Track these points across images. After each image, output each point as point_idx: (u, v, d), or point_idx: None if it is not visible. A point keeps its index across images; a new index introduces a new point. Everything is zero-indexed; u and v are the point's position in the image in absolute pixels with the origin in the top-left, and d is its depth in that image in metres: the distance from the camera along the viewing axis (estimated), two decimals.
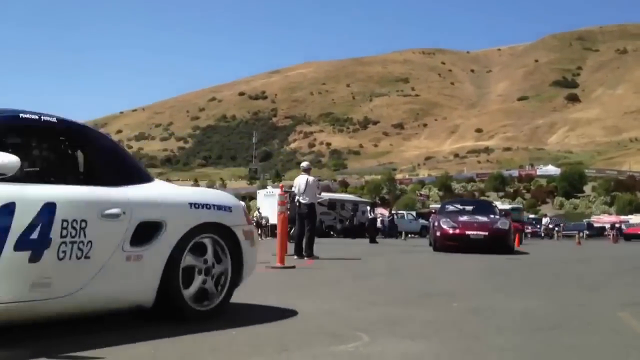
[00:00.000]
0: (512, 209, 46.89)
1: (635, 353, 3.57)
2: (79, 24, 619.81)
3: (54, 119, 3.77)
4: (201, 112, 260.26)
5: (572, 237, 42.70)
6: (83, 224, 3.51)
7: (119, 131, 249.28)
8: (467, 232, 15.25)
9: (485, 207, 17.97)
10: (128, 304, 3.90)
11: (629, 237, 43.83)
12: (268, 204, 34.72)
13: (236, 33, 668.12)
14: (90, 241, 3.54)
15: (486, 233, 15.13)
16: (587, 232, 50.74)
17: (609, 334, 4.16)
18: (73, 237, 3.45)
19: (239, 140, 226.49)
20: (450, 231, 15.59)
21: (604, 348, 3.70)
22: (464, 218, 16.21)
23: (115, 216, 3.69)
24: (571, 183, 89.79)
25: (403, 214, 49.25)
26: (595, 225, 58.12)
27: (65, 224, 3.42)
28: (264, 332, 3.97)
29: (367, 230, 31.82)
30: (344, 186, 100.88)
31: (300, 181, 13.14)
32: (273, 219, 29.67)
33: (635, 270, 11.55)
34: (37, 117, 3.66)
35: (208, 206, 4.30)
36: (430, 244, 17.86)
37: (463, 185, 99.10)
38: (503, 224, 15.57)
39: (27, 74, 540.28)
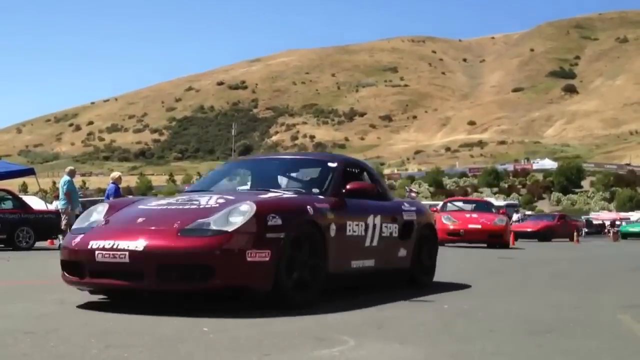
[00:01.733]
0: (508, 205, 47.06)
1: (636, 358, 3.59)
2: (47, 8, 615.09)
3: None
4: (177, 102, 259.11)
5: None
6: None
7: (90, 122, 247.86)
8: None
9: None
10: None
11: (515, 236, 36.62)
12: None
13: (215, 18, 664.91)
14: None
15: None
16: (586, 230, 50.99)
17: (609, 337, 4.18)
18: None
19: (218, 133, 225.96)
20: None
21: (603, 353, 3.71)
22: None
23: None
24: (568, 178, 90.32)
25: None
26: (594, 222, 58.46)
27: None
28: (244, 335, 3.96)
29: None
30: None
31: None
32: None
33: (636, 270, 11.64)
34: None
35: None
36: None
37: (455, 180, 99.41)
38: None
39: None
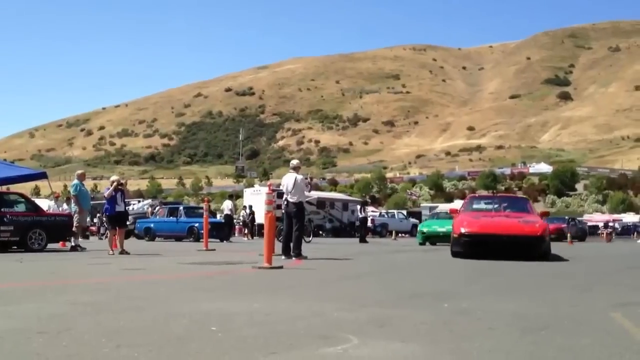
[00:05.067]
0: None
1: (628, 354, 3.58)
2: (59, 16, 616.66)
3: None
4: (186, 108, 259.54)
5: None
6: None
7: (102, 127, 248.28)
8: None
9: None
10: None
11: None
12: (255, 203, 34.69)
13: (223, 27, 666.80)
14: None
15: None
16: None
17: (602, 334, 4.17)
18: None
19: (225, 138, 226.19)
20: None
21: (596, 349, 3.70)
22: None
23: None
24: (563, 181, 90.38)
25: (393, 212, 49.41)
26: (588, 224, 58.42)
27: None
28: (251, 334, 3.95)
29: (358, 230, 31.86)
30: (334, 185, 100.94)
31: (288, 179, 13.11)
32: (260, 218, 29.67)
33: (628, 270, 11.62)
34: None
35: None
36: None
37: (454, 183, 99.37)
38: None
39: (3, 68, 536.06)
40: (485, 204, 15.58)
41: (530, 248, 12.71)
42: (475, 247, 12.82)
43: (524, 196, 20.66)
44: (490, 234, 12.73)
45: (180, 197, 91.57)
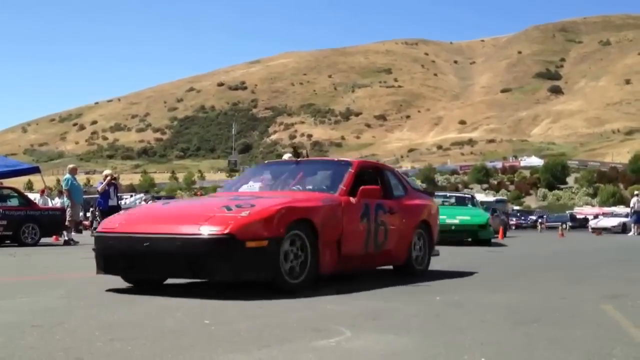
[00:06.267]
0: (497, 201, 47.14)
1: (619, 346, 3.60)
2: (51, 11, 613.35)
3: None
4: (179, 102, 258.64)
5: (555, 229, 43.06)
6: None
7: (94, 122, 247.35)
8: None
9: None
10: None
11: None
12: None
13: (215, 21, 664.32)
14: None
15: None
16: (570, 224, 51.14)
17: (592, 326, 4.20)
18: None
19: (218, 132, 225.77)
20: None
21: (587, 341, 3.72)
22: None
23: None
24: (554, 174, 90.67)
25: None
26: (579, 216, 58.72)
27: None
28: (244, 327, 3.96)
29: None
30: None
31: None
32: None
33: (618, 262, 11.68)
34: None
35: None
36: None
37: (446, 177, 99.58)
38: None
39: None
40: (279, 176, 8.14)
41: (192, 264, 5.38)
42: (109, 261, 6.32)
43: (346, 159, 8.45)
44: (120, 237, 5.99)
45: (173, 192, 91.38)
